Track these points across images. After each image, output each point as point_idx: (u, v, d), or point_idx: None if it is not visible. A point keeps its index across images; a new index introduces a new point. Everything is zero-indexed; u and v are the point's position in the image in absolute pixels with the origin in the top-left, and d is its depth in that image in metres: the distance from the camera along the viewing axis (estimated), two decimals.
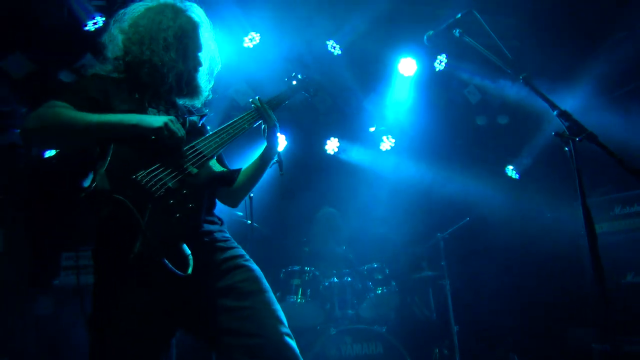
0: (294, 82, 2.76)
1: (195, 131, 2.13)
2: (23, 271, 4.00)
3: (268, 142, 2.45)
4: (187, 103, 2.37)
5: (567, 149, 2.24)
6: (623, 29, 5.67)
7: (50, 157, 5.00)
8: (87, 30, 4.77)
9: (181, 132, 1.98)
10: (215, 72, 2.45)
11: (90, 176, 1.90)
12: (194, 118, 2.19)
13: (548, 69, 6.13)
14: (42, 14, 4.74)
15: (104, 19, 4.74)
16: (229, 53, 5.23)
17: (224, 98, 5.46)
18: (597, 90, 5.99)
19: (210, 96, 2.44)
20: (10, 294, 3.90)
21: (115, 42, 2.19)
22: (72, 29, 4.77)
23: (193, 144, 2.07)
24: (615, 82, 5.99)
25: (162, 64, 2.13)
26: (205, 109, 2.41)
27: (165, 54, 2.14)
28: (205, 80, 2.38)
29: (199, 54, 2.30)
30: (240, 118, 2.32)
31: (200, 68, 2.32)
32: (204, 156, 2.06)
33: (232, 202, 2.50)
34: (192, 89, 2.30)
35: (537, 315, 5.74)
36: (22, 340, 3.86)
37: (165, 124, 1.93)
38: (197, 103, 2.39)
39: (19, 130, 1.88)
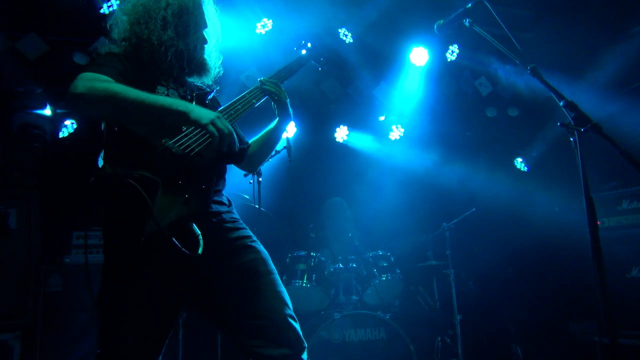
0: (303, 52, 2.70)
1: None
2: (35, 249, 4.07)
3: (278, 116, 2.46)
4: (196, 81, 2.36)
5: (572, 139, 2.25)
6: (635, 24, 5.61)
7: (64, 138, 5.08)
8: (102, 13, 4.82)
9: (227, 130, 1.94)
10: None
11: (101, 157, 1.93)
12: (202, 94, 2.19)
13: (560, 61, 6.09)
14: None
15: (118, 1, 4.78)
16: (241, 39, 5.26)
17: (236, 83, 5.49)
18: (609, 83, 5.95)
19: (221, 72, 2.43)
20: (22, 271, 3.98)
21: (120, 24, 2.20)
22: (87, 11, 4.81)
23: None
24: (628, 76, 5.94)
25: (160, 43, 2.12)
26: (216, 86, 2.39)
27: (163, 33, 2.13)
28: (213, 57, 2.37)
29: (204, 31, 2.29)
30: (247, 93, 2.31)
31: (206, 45, 2.31)
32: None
33: (248, 168, 2.58)
34: (196, 67, 2.28)
35: (540, 307, 5.76)
36: (32, 316, 3.93)
37: (213, 122, 1.90)
38: (207, 80, 2.37)
39: (68, 95, 1.86)
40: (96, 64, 2.00)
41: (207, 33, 2.32)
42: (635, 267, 4.57)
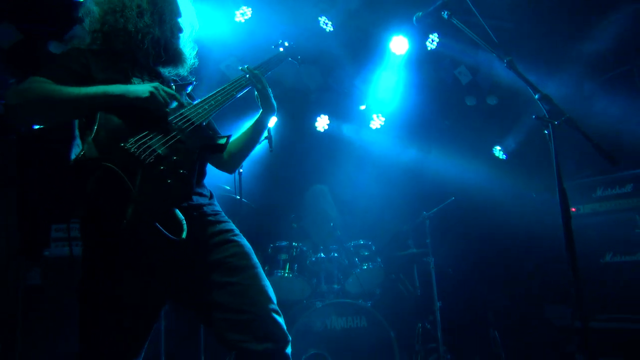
0: (281, 49, 2.77)
1: (182, 99, 2.13)
2: (13, 242, 4.03)
3: (262, 108, 2.47)
4: (171, 71, 2.35)
5: (546, 131, 2.30)
6: (617, 10, 5.69)
7: (40, 129, 4.99)
8: (78, 1, 4.71)
9: (168, 98, 1.99)
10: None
11: (74, 149, 1.91)
12: (180, 86, 2.21)
13: (543, 50, 6.17)
14: None
15: None
16: (220, 27, 5.20)
17: (216, 72, 5.44)
18: (590, 72, 6.05)
19: (197, 63, 2.43)
20: (1, 265, 3.93)
21: (92, 14, 2.17)
22: None
23: (181, 111, 2.07)
24: (608, 64, 6.04)
25: (136, 30, 2.13)
26: (192, 78, 2.39)
27: (139, 20, 2.13)
28: (188, 47, 2.37)
29: (178, 19, 2.29)
30: (228, 85, 2.32)
31: (181, 34, 2.31)
32: (192, 123, 2.06)
33: (228, 169, 2.53)
34: (172, 55, 2.28)
35: (517, 293, 5.90)
36: (12, 310, 3.90)
37: (151, 93, 1.93)
38: (182, 71, 2.36)
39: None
40: (48, 65, 1.99)
41: (182, 22, 2.31)
42: (608, 252, 4.69)
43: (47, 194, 4.47)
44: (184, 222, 1.83)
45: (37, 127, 4.49)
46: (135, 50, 2.15)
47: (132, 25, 2.12)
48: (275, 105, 2.49)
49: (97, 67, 2.03)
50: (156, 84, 2.01)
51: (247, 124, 2.51)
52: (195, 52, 2.43)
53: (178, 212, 1.84)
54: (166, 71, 2.33)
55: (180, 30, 2.30)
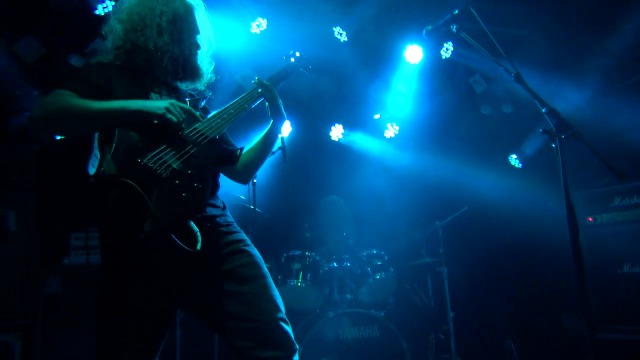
0: (292, 60, 2.81)
1: (197, 113, 2.19)
2: (34, 251, 4.13)
3: (272, 118, 2.52)
4: (189, 86, 2.42)
5: (553, 145, 2.31)
6: (632, 19, 5.63)
7: (61, 139, 5.12)
8: (98, 15, 4.86)
9: (183, 114, 2.06)
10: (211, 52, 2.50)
11: (93, 161, 1.99)
12: (194, 100, 2.28)
13: (555, 58, 6.12)
14: None
15: (113, 3, 4.81)
16: (236, 39, 5.29)
17: (231, 83, 5.53)
18: (604, 81, 5.98)
19: (213, 78, 2.49)
20: (22, 273, 4.03)
21: (115, 32, 2.27)
22: (82, 12, 4.85)
23: (196, 125, 2.13)
24: (623, 73, 5.97)
25: (156, 49, 2.20)
26: (208, 92, 2.46)
27: (159, 39, 2.21)
28: (206, 62, 2.44)
29: (197, 37, 2.36)
30: (241, 98, 2.38)
31: (199, 51, 2.38)
32: (206, 137, 2.12)
33: (242, 179, 2.58)
34: (190, 72, 2.35)
35: (533, 303, 5.83)
36: (32, 317, 3.99)
37: (167, 108, 2.01)
38: (200, 85, 2.44)
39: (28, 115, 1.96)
40: (73, 78, 2.08)
41: (200, 39, 2.38)
42: (626, 263, 4.62)
43: (66, 203, 4.59)
44: (199, 234, 1.91)
45: (58, 137, 4.65)
46: (154, 67, 2.24)
47: (152, 44, 2.20)
48: (285, 114, 2.54)
49: (118, 82, 2.12)
50: (172, 100, 2.09)
51: (259, 135, 2.56)
52: (212, 67, 2.49)
53: (192, 224, 1.92)
54: (184, 85, 2.41)
55: (198, 47, 2.37)
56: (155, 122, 2.00)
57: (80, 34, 5.00)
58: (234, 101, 2.35)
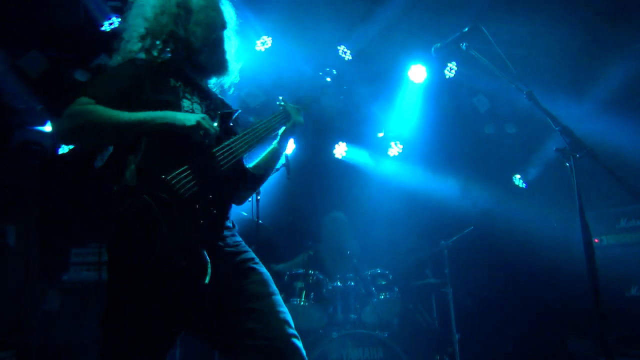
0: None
1: (227, 130, 2.11)
2: (33, 266, 4.08)
3: (281, 137, 2.42)
4: (215, 81, 2.37)
5: (567, 164, 2.28)
6: (636, 41, 5.66)
7: (63, 154, 5.09)
8: (104, 31, 4.87)
9: (213, 130, 1.98)
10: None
11: (102, 155, 1.93)
12: (227, 115, 2.15)
13: (559, 78, 6.14)
14: (60, 14, 4.83)
15: (119, 19, 4.83)
16: (241, 56, 5.29)
17: (236, 100, 5.53)
18: (607, 101, 5.98)
19: (238, 79, 2.43)
20: (20, 288, 3.98)
21: (135, 25, 2.21)
22: (88, 28, 4.87)
23: (226, 143, 2.05)
24: (626, 94, 5.98)
25: (186, 36, 2.17)
26: (238, 110, 2.33)
27: (187, 28, 2.18)
28: (233, 58, 2.36)
29: (222, 32, 2.30)
30: (268, 120, 2.29)
31: (225, 45, 2.31)
32: (234, 157, 2.05)
33: (239, 201, 2.48)
34: (217, 64, 2.28)
35: (539, 326, 5.74)
36: (29, 334, 3.92)
37: (199, 123, 1.94)
38: (226, 80, 2.39)
39: (51, 130, 1.91)
40: (94, 84, 2.03)
41: (226, 34, 2.32)
42: (634, 285, 4.56)
43: (67, 219, 4.54)
44: (209, 265, 1.85)
45: (64, 149, 4.58)
46: (182, 58, 2.19)
47: (182, 30, 2.17)
48: (287, 147, 2.47)
49: (149, 83, 2.05)
50: (204, 115, 2.01)
51: (263, 152, 2.48)
52: (239, 67, 2.42)
53: (205, 253, 1.86)
54: (211, 82, 2.36)
55: (222, 40, 2.30)
56: (185, 134, 1.93)
57: (85, 48, 5.01)
58: (264, 121, 2.26)
